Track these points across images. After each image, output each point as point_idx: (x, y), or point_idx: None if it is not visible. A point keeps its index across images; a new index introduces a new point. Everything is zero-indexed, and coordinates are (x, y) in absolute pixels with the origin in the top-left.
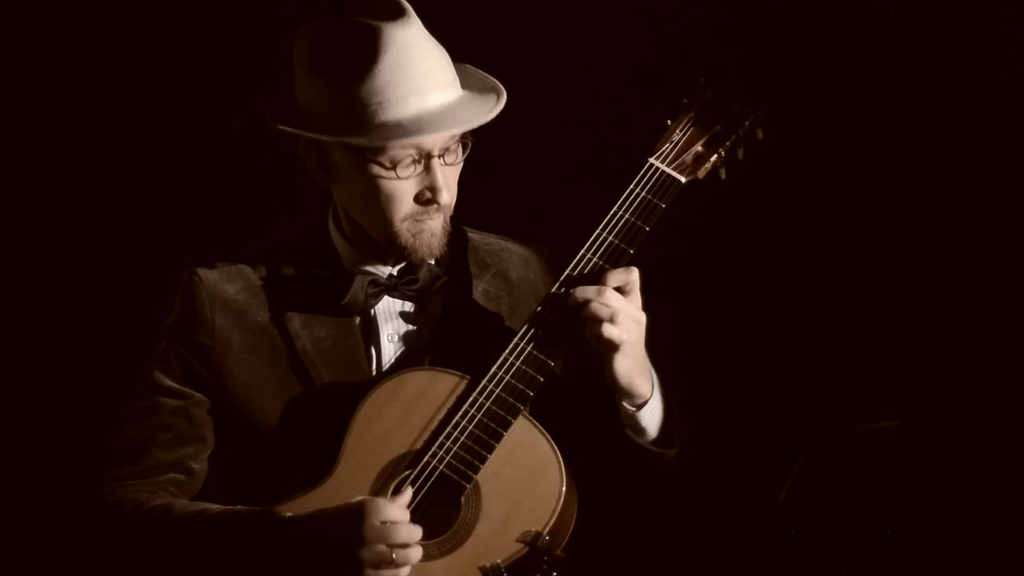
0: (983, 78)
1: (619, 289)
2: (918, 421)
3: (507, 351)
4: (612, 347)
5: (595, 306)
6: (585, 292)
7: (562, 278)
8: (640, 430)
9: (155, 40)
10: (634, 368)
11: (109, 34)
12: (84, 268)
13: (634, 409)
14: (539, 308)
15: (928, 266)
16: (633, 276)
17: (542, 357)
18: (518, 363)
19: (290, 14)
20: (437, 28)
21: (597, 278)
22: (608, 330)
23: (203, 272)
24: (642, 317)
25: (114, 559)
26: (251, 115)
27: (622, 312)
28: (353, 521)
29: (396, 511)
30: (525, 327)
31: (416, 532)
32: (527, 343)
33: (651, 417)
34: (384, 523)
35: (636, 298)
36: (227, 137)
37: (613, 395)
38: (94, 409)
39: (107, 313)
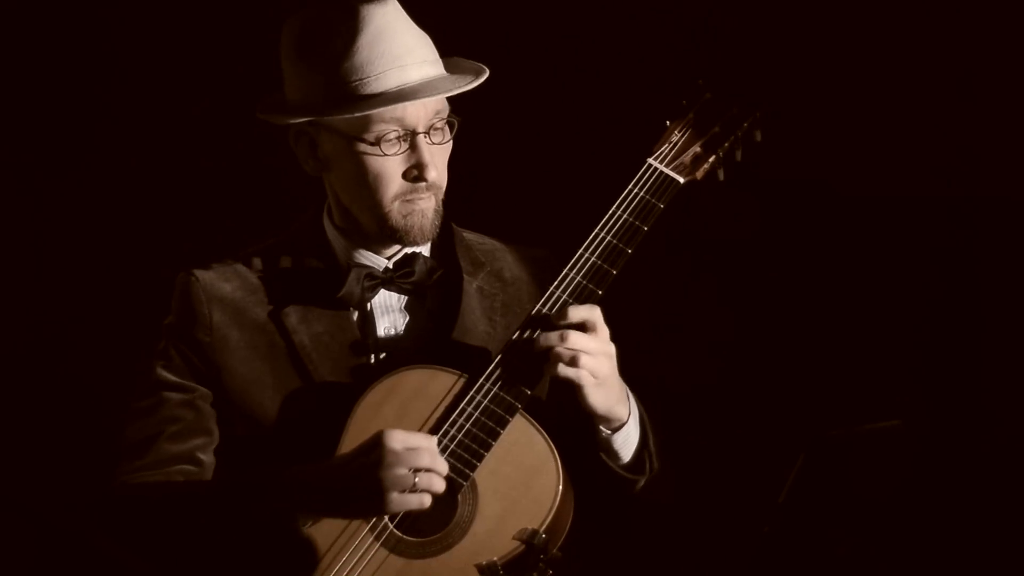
0: (983, 77)
1: (583, 326)
2: (918, 421)
3: (505, 349)
4: (577, 386)
5: (557, 350)
6: (548, 339)
7: (559, 279)
8: (613, 453)
9: (156, 41)
10: (610, 399)
11: (110, 36)
12: (85, 269)
13: (609, 432)
14: (535, 308)
15: (928, 266)
16: (595, 314)
17: (540, 358)
18: (516, 361)
19: (288, 14)
20: (434, 27)
21: (563, 312)
22: (566, 371)
23: (199, 272)
24: (611, 350)
25: (114, 559)
26: (250, 116)
27: (584, 353)
28: (372, 447)
29: (418, 438)
30: (521, 326)
31: (442, 463)
32: (524, 344)
33: (624, 441)
34: (407, 449)
35: (603, 332)
36: (227, 138)
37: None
38: (95, 409)
39: (108, 314)
